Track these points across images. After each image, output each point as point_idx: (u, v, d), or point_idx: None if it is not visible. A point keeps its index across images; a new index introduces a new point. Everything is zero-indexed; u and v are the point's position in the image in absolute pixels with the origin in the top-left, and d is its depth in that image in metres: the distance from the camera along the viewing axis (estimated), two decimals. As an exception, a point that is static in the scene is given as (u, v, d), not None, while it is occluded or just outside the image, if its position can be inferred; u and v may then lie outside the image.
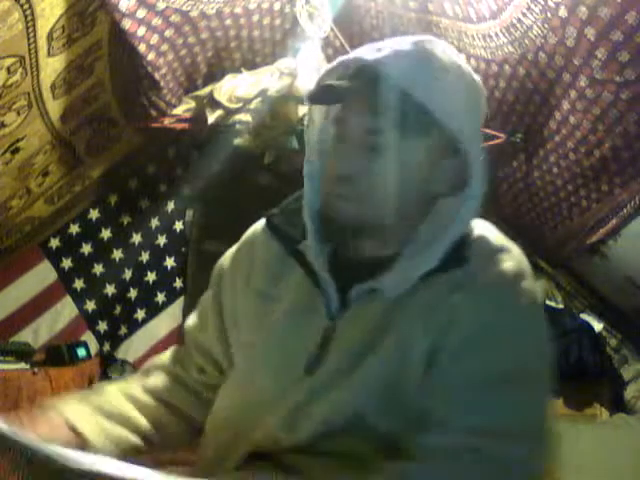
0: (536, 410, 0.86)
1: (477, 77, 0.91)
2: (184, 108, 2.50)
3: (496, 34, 1.99)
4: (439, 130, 0.84)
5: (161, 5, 1.87)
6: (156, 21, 1.92)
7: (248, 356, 0.98)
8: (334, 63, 0.89)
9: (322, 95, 0.89)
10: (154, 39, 1.99)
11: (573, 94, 2.00)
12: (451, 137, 0.85)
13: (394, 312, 0.87)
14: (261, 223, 1.05)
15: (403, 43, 0.87)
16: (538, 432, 0.85)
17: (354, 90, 0.86)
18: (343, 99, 0.88)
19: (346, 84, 0.87)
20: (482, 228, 0.93)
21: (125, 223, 2.96)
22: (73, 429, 0.96)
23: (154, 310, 3.05)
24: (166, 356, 1.14)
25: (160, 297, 3.07)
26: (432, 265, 0.86)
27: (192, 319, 1.12)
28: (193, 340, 1.10)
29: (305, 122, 0.98)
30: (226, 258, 1.09)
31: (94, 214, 2.87)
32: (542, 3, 1.75)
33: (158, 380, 1.09)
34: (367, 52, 0.85)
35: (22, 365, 2.32)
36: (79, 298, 2.83)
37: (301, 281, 0.94)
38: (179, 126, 2.50)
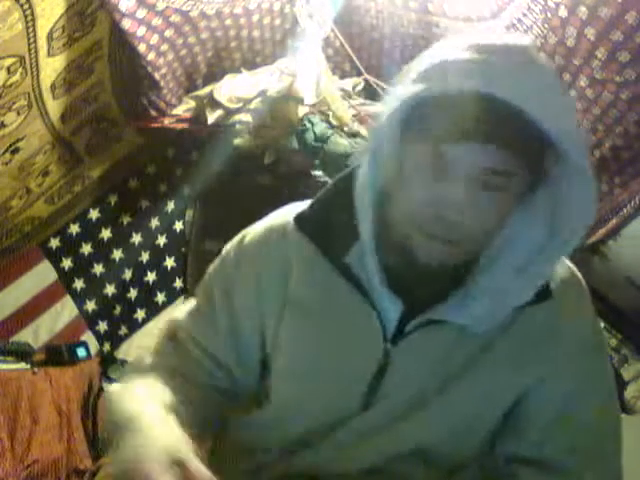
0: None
1: None
2: (184, 108, 2.50)
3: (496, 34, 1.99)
4: (555, 151, 0.72)
5: (161, 5, 1.87)
6: (156, 21, 1.92)
7: (293, 379, 0.86)
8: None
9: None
10: (154, 39, 1.99)
11: (573, 94, 2.00)
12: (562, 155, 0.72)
13: (468, 346, 0.79)
14: (285, 218, 0.88)
15: (509, 55, 0.71)
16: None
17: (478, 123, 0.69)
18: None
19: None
20: None
21: (125, 223, 2.96)
22: None
23: (154, 310, 3.05)
24: (161, 353, 0.94)
25: (160, 297, 3.07)
26: (529, 296, 0.77)
27: (189, 318, 0.94)
28: (194, 341, 0.92)
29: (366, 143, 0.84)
30: (243, 251, 0.90)
31: (94, 214, 2.87)
32: (542, 3, 1.75)
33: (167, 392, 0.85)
34: (481, 76, 0.68)
35: (22, 365, 2.32)
36: (79, 298, 2.83)
37: (349, 297, 0.82)
38: (179, 126, 2.50)
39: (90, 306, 2.87)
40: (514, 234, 0.78)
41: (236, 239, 0.93)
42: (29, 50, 1.56)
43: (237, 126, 2.51)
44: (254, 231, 0.91)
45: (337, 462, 0.82)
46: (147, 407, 0.78)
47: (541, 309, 0.80)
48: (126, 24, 1.80)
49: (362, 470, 0.82)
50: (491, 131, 0.69)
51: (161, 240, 3.06)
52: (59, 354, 2.50)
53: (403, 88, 0.73)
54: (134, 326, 2.99)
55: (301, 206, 0.88)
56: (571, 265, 0.89)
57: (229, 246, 0.94)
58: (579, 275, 0.89)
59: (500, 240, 0.78)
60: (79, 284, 2.84)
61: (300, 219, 0.86)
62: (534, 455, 0.83)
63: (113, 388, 0.89)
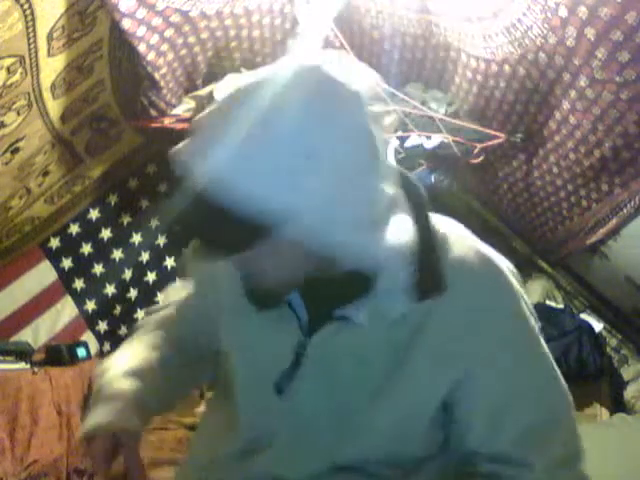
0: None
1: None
2: (184, 108, 2.50)
3: (496, 34, 1.99)
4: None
5: (161, 5, 1.87)
6: (156, 21, 1.92)
7: (227, 369, 0.94)
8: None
9: None
10: (154, 39, 1.99)
11: (573, 94, 2.00)
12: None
13: (383, 343, 0.82)
14: None
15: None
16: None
17: None
18: None
19: None
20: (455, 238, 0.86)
21: (125, 223, 2.96)
22: None
23: (154, 310, 3.05)
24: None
25: (160, 297, 3.07)
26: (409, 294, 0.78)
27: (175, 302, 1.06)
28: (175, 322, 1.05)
29: None
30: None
31: (94, 214, 2.87)
32: (542, 3, 1.75)
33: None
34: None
35: (22, 365, 2.32)
36: (79, 298, 2.83)
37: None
38: (179, 126, 2.49)
39: (90, 306, 2.87)
40: None
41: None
42: (29, 50, 1.56)
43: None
44: None
45: (284, 463, 0.86)
46: (115, 381, 0.91)
47: (452, 302, 0.80)
48: (126, 24, 1.80)
49: (313, 472, 0.85)
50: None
51: (161, 240, 3.07)
52: (59, 354, 2.50)
53: None
54: (134, 326, 2.99)
55: None
56: (486, 252, 0.87)
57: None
58: (493, 262, 0.86)
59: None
60: (79, 284, 2.84)
61: None
62: (487, 450, 0.84)
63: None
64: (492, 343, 0.82)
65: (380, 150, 0.74)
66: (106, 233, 2.91)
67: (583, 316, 2.93)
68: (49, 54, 1.67)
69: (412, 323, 0.81)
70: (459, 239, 0.86)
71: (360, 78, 0.74)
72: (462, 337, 0.81)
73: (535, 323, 0.88)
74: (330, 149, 0.69)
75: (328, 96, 0.71)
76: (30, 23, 1.47)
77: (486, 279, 0.84)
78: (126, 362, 0.96)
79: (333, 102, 0.71)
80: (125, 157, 2.70)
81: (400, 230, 0.76)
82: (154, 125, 2.45)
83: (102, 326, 2.90)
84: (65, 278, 2.80)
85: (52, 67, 1.73)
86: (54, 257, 2.76)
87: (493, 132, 2.42)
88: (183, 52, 2.25)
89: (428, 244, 0.81)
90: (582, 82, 1.91)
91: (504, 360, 0.83)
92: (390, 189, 0.76)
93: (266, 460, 0.87)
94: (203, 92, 2.50)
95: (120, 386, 0.90)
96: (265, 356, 0.88)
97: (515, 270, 0.89)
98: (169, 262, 3.10)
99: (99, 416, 0.85)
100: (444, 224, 0.87)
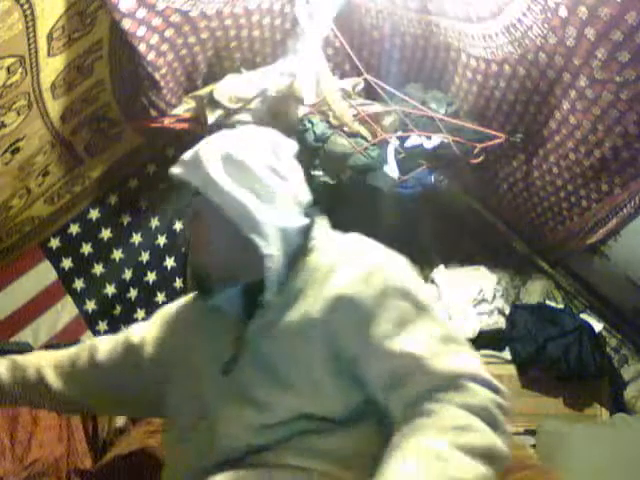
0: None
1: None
2: (184, 108, 2.50)
3: (496, 34, 1.99)
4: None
5: (161, 5, 1.87)
6: (156, 21, 1.92)
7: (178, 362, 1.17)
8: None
9: None
10: (154, 39, 1.99)
11: (573, 94, 2.00)
12: None
13: (284, 324, 1.03)
14: None
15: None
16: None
17: None
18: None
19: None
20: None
21: (125, 223, 2.96)
22: None
23: (154, 310, 3.01)
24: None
25: (160, 297, 3.07)
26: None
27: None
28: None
29: None
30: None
31: (94, 214, 2.87)
32: (542, 3, 1.75)
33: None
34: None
35: (22, 365, 2.32)
36: (79, 298, 2.83)
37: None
38: (179, 126, 2.50)
39: (90, 306, 2.86)
40: None
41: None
42: (29, 50, 1.56)
43: (237, 126, 2.51)
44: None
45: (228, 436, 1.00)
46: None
47: (312, 282, 1.03)
48: (126, 24, 1.80)
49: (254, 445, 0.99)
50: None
51: (161, 240, 3.06)
52: (59, 354, 2.50)
53: None
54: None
55: None
56: (343, 242, 1.11)
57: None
58: (347, 247, 1.09)
59: None
60: (79, 284, 2.83)
61: None
62: (399, 415, 0.92)
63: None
64: (351, 318, 0.98)
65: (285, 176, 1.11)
66: (106, 233, 2.90)
67: (583, 316, 2.93)
68: (49, 54, 1.67)
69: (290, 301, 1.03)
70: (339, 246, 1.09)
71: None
72: (325, 312, 0.99)
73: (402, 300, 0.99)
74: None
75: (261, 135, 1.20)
76: (30, 23, 1.47)
77: (335, 259, 1.05)
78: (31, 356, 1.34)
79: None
80: (125, 157, 2.70)
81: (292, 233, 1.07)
82: (154, 125, 2.45)
83: (102, 326, 2.89)
84: (65, 278, 2.79)
85: (52, 67, 1.73)
86: (54, 257, 2.76)
87: (493, 132, 2.42)
88: (183, 52, 2.25)
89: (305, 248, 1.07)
90: (582, 82, 1.91)
91: (369, 331, 0.97)
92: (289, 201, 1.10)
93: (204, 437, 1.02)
94: (203, 92, 2.50)
95: None
96: (210, 353, 1.09)
97: (406, 273, 1.05)
98: (169, 262, 3.10)
99: None
100: (337, 240, 1.11)
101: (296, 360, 1.00)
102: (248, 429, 0.98)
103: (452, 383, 0.89)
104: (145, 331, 1.27)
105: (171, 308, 1.31)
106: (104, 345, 1.27)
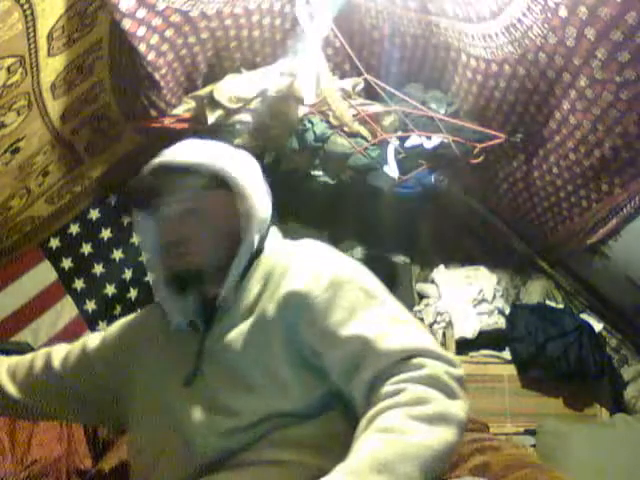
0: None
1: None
2: (184, 108, 2.50)
3: (496, 34, 1.99)
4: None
5: (161, 5, 1.87)
6: (156, 21, 1.92)
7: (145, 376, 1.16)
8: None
9: None
10: (154, 39, 1.99)
11: (573, 94, 2.00)
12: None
13: (243, 323, 1.06)
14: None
15: None
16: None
17: None
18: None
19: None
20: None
21: (125, 223, 2.96)
22: None
23: (154, 310, 3.05)
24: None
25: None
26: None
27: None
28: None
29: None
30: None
31: (94, 214, 2.87)
32: (542, 3, 1.75)
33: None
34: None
35: (22, 365, 2.32)
36: (79, 298, 2.83)
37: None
38: (179, 126, 2.50)
39: (90, 306, 2.87)
40: None
41: None
42: (29, 50, 1.56)
43: (237, 126, 2.51)
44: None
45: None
46: None
47: (274, 282, 1.07)
48: (126, 24, 1.80)
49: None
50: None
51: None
52: (59, 354, 2.50)
53: None
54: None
55: None
56: (292, 244, 1.16)
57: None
58: (295, 248, 1.14)
59: None
60: (79, 284, 2.84)
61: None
62: (361, 400, 0.95)
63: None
64: (306, 306, 1.02)
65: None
66: (106, 233, 2.91)
67: (583, 316, 2.93)
68: (49, 54, 1.67)
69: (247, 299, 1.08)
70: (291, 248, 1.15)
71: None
72: (281, 308, 1.03)
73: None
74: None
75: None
76: (30, 23, 1.47)
77: (285, 256, 1.11)
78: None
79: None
80: (125, 157, 2.70)
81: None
82: (154, 125, 2.45)
83: (102, 326, 2.89)
84: (65, 278, 2.79)
85: (52, 67, 1.74)
86: (54, 257, 2.76)
87: (493, 132, 2.42)
88: (183, 52, 2.25)
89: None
90: (582, 82, 1.91)
91: (325, 320, 1.00)
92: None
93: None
94: (203, 92, 2.50)
95: None
96: (170, 365, 1.11)
97: (354, 267, 1.10)
98: (169, 262, 3.10)
99: None
100: (288, 245, 1.17)
101: (257, 362, 1.02)
102: (220, 435, 1.00)
103: (404, 360, 0.92)
104: (101, 338, 1.30)
105: (130, 318, 1.37)
106: (59, 352, 1.28)
